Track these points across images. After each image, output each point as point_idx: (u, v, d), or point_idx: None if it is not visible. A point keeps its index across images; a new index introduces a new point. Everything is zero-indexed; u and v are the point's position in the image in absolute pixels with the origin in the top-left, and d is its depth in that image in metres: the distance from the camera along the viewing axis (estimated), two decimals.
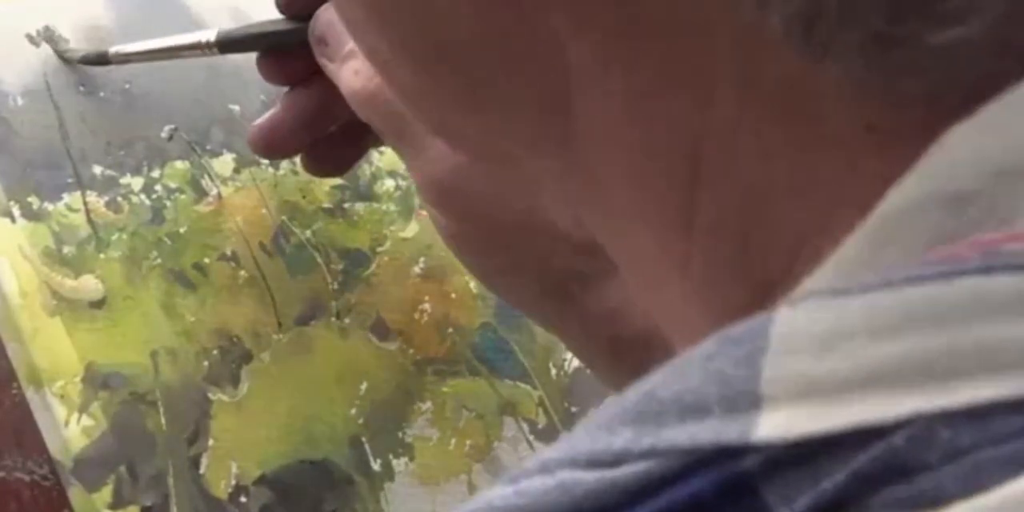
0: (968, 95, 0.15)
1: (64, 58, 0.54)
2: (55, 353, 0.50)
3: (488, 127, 0.22)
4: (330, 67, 0.40)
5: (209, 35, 0.47)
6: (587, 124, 0.19)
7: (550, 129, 0.20)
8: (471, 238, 0.37)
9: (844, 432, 0.13)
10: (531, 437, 0.63)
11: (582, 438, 0.15)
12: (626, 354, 0.35)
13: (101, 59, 0.53)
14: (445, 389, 0.62)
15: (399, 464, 0.59)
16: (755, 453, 0.14)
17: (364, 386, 0.59)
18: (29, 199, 0.53)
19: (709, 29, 0.17)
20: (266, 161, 0.61)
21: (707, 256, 0.19)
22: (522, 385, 0.64)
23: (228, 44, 0.46)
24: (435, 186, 0.37)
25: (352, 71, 0.38)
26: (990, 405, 0.13)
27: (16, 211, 0.52)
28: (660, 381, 0.15)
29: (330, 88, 0.39)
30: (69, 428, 0.49)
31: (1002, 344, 0.13)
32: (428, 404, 0.61)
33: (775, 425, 0.14)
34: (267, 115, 0.41)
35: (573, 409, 0.64)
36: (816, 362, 0.14)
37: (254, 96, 0.62)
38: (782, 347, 0.14)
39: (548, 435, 0.63)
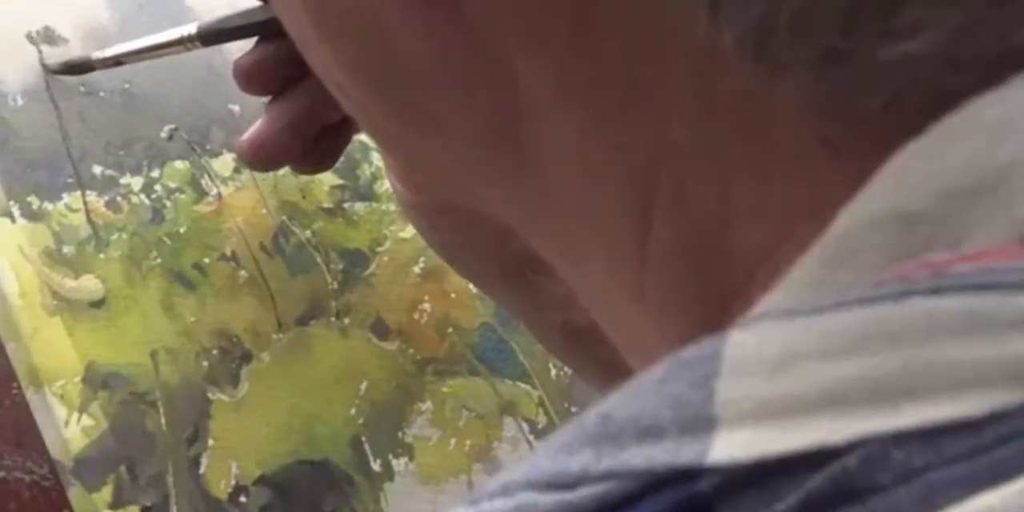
0: (924, 110, 0.15)
1: (47, 69, 0.54)
2: (55, 353, 0.50)
3: (436, 151, 0.21)
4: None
5: (190, 29, 0.46)
6: (538, 150, 0.19)
7: (498, 155, 0.20)
8: (427, 212, 0.37)
9: (798, 454, 0.13)
10: (531, 437, 0.63)
11: (541, 459, 0.15)
12: (579, 339, 0.35)
13: (85, 66, 0.53)
14: (445, 389, 0.62)
15: (399, 464, 0.59)
16: (710, 475, 0.14)
17: (364, 386, 0.59)
18: (29, 199, 0.53)
19: (666, 49, 0.16)
20: None
21: (661, 281, 0.18)
22: (522, 385, 0.64)
23: (210, 36, 0.45)
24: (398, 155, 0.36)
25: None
26: (942, 426, 0.13)
27: (16, 211, 0.52)
28: (616, 403, 0.15)
29: (312, 91, 0.39)
30: (69, 428, 0.49)
31: (952, 365, 0.13)
32: (428, 404, 0.61)
33: (729, 447, 0.14)
34: (254, 129, 0.41)
35: (573, 409, 0.64)
36: (769, 384, 0.14)
37: (254, 96, 0.62)
38: (735, 369, 0.14)
39: (548, 435, 0.63)
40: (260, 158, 0.42)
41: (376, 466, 0.58)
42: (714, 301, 0.18)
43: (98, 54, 0.51)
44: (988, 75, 0.15)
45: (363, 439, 0.58)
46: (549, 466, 0.15)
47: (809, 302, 0.14)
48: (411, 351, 0.61)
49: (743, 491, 0.13)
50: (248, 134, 0.41)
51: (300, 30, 0.21)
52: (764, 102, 0.16)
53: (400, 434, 0.60)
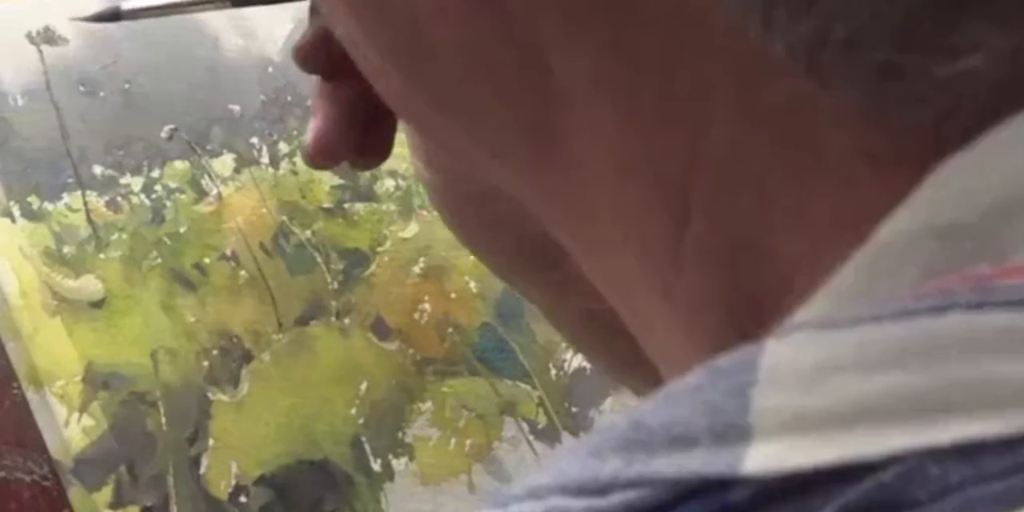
0: (972, 127, 0.15)
1: (76, 19, 0.53)
2: (55, 353, 0.50)
3: (465, 135, 0.21)
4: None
5: None
6: (567, 143, 0.19)
7: (525, 145, 0.19)
8: (448, 188, 0.37)
9: (833, 467, 0.13)
10: (531, 437, 0.63)
11: (572, 464, 0.15)
12: (598, 328, 0.35)
13: (113, 16, 0.52)
14: (445, 389, 0.62)
15: (399, 464, 0.59)
16: (743, 486, 0.13)
17: (364, 386, 0.59)
18: (29, 199, 0.53)
19: (711, 52, 0.16)
20: (266, 161, 0.61)
21: (693, 281, 0.18)
22: (522, 385, 0.64)
23: None
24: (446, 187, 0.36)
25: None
26: (979, 443, 0.13)
27: (16, 211, 0.52)
28: (649, 410, 0.15)
29: (361, 77, 0.38)
30: (69, 428, 0.49)
31: (992, 381, 0.13)
32: (428, 404, 0.61)
33: (764, 458, 0.13)
34: (312, 129, 0.40)
35: (573, 409, 0.64)
36: (806, 395, 0.14)
37: (254, 96, 0.62)
38: (771, 379, 0.14)
39: (548, 435, 0.63)
40: (321, 161, 0.41)
41: (376, 466, 0.58)
42: (746, 306, 0.17)
43: (127, 5, 0.51)
44: None
45: (363, 439, 0.58)
46: (580, 471, 0.15)
47: (848, 313, 0.14)
48: (411, 351, 0.61)
49: (776, 503, 0.13)
50: (309, 134, 0.41)
51: (339, 18, 0.21)
52: (810, 112, 0.16)
53: (400, 434, 0.60)
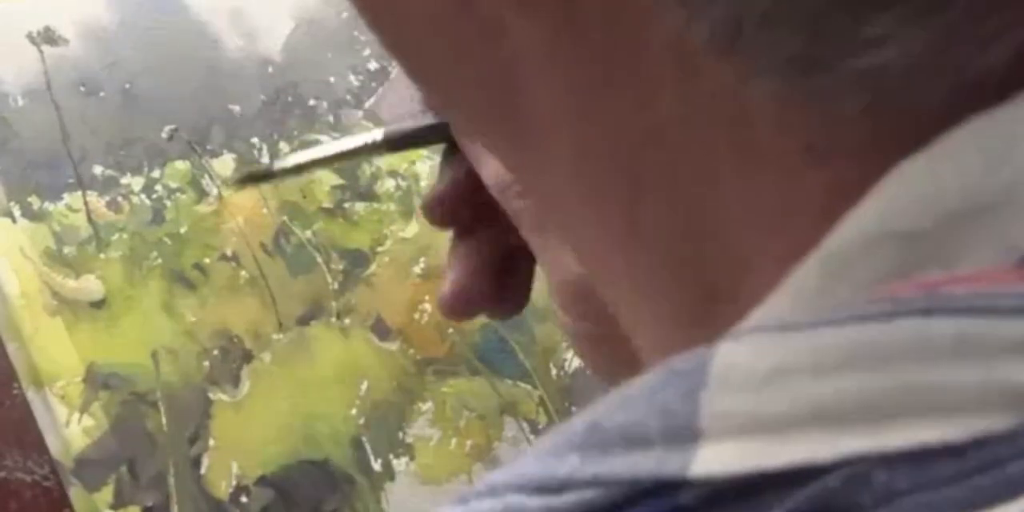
0: (907, 121, 0.15)
1: (228, 182, 0.53)
2: (55, 353, 0.50)
3: (452, 112, 0.22)
4: (469, 148, 0.38)
5: (376, 135, 0.45)
6: (536, 120, 0.19)
7: (500, 120, 0.20)
8: (601, 342, 0.37)
9: (781, 470, 0.13)
10: (531, 437, 0.63)
11: (530, 463, 0.15)
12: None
13: (267, 175, 0.52)
14: (445, 389, 0.62)
15: (399, 464, 0.59)
16: (692, 487, 0.14)
17: (364, 386, 0.59)
18: (29, 199, 0.53)
19: (645, 35, 0.16)
20: (266, 161, 0.61)
21: (652, 266, 0.18)
22: (522, 385, 0.64)
23: (396, 141, 0.44)
24: (568, 288, 0.36)
25: (488, 158, 0.37)
26: (927, 449, 0.13)
27: (16, 211, 0.52)
28: (606, 411, 0.15)
29: (496, 226, 0.38)
30: (70, 428, 0.49)
31: (941, 388, 0.13)
32: (428, 404, 0.61)
33: (712, 460, 0.14)
34: (451, 279, 0.39)
35: (574, 409, 0.64)
36: (756, 398, 0.14)
37: (254, 96, 0.62)
38: (723, 382, 0.14)
39: None
40: (459, 313, 0.41)
41: (377, 466, 0.58)
42: (703, 286, 0.18)
43: (279, 164, 0.51)
44: (970, 88, 0.15)
45: (363, 439, 0.58)
46: (537, 469, 0.15)
47: (801, 317, 0.14)
48: (411, 351, 0.61)
49: (724, 505, 0.13)
50: (448, 286, 0.40)
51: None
52: (742, 102, 0.16)
53: (400, 434, 0.60)
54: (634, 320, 0.20)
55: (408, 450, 0.59)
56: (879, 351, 0.14)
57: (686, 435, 0.14)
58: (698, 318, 0.18)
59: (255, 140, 0.61)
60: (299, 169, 0.50)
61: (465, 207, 0.39)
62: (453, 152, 0.40)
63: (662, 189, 0.17)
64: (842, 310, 0.14)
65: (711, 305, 0.17)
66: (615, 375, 0.39)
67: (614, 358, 0.38)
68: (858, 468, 0.13)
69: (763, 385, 0.14)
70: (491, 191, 0.35)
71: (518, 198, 0.35)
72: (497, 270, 0.39)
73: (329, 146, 0.47)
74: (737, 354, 0.14)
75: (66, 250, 0.52)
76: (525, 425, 0.63)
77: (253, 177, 0.52)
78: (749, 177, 0.16)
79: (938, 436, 0.13)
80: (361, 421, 0.58)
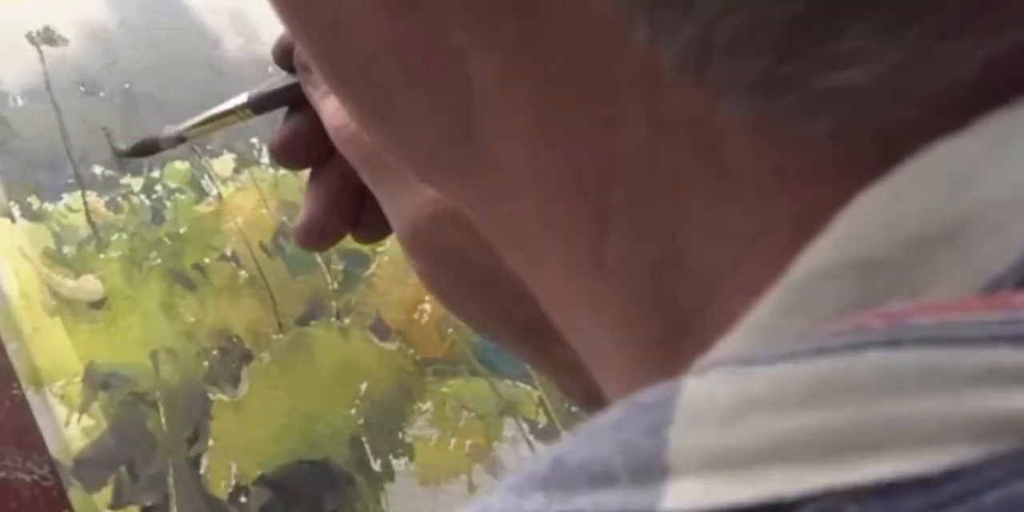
0: (876, 142, 0.15)
1: (116, 152, 0.54)
2: (55, 353, 0.50)
3: (399, 145, 0.21)
4: (314, 96, 0.39)
5: (241, 99, 0.46)
6: (489, 149, 0.18)
7: (454, 150, 0.19)
8: (441, 282, 0.38)
9: (750, 506, 0.13)
10: (531, 437, 0.63)
11: (495, 500, 0.15)
12: (599, 404, 0.35)
13: (152, 147, 0.53)
14: (445, 389, 0.62)
15: (399, 464, 0.59)
16: None
17: (364, 386, 0.59)
18: (29, 199, 0.53)
19: (611, 60, 0.16)
20: (266, 160, 0.61)
21: (616, 291, 0.18)
22: (522, 385, 0.64)
23: (260, 103, 0.45)
24: (408, 232, 0.37)
25: (334, 106, 0.38)
26: (898, 482, 0.13)
27: (16, 211, 0.52)
28: (571, 447, 0.15)
29: (345, 161, 0.39)
30: (69, 428, 0.49)
31: (909, 420, 0.13)
32: (428, 404, 0.61)
33: (681, 496, 0.13)
34: (302, 214, 0.41)
35: (573, 409, 0.64)
36: (723, 434, 0.14)
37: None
38: (689, 417, 0.14)
39: (548, 435, 0.63)
40: (315, 243, 0.42)
41: (376, 466, 0.58)
42: (671, 316, 0.17)
43: (164, 134, 0.52)
44: (939, 108, 0.14)
45: (363, 439, 0.58)
46: (501, 508, 0.15)
47: (764, 350, 0.14)
48: (411, 351, 0.61)
49: None
50: (299, 220, 0.41)
51: (282, 19, 0.21)
52: (711, 124, 0.15)
53: (400, 434, 0.60)
54: (597, 354, 0.20)
55: (408, 450, 0.59)
56: (844, 384, 0.13)
57: (654, 472, 0.14)
58: (666, 350, 0.17)
59: (255, 140, 0.61)
60: (181, 139, 0.51)
61: (312, 146, 0.40)
62: (293, 140, 0.41)
63: (629, 217, 0.17)
64: (804, 343, 0.14)
65: (679, 336, 0.17)
66: (457, 309, 0.39)
67: (451, 294, 0.38)
68: (828, 503, 0.13)
69: (729, 420, 0.14)
70: (333, 140, 0.36)
71: (353, 146, 0.35)
72: (350, 200, 0.40)
73: (204, 114, 0.48)
74: (702, 389, 0.14)
75: (66, 250, 0.52)
76: (525, 425, 0.63)
77: (140, 149, 0.53)
78: (718, 203, 0.16)
79: (908, 469, 0.13)
80: (360, 421, 0.58)
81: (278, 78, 0.44)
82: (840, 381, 0.13)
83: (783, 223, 0.15)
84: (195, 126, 0.49)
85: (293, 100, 0.42)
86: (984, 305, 0.13)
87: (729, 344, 0.15)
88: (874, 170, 0.15)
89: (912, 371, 0.13)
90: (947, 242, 0.14)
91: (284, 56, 0.42)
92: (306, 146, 0.41)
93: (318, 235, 0.42)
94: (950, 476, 0.13)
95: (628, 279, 0.18)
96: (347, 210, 0.41)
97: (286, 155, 0.42)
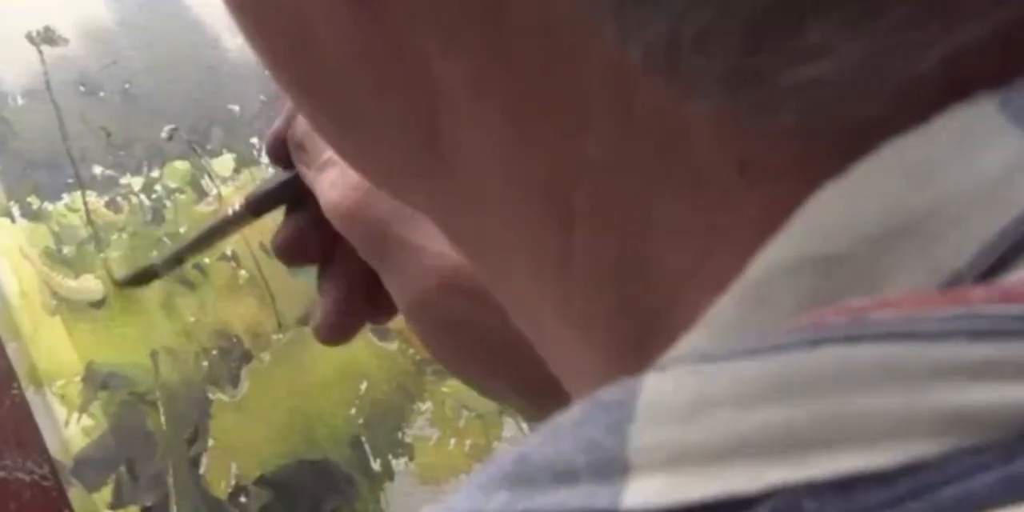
0: (840, 136, 0.15)
1: (116, 282, 0.53)
2: (55, 353, 0.50)
3: (367, 156, 0.21)
4: (308, 175, 0.39)
5: (236, 205, 0.45)
6: (456, 155, 0.18)
7: (421, 159, 0.19)
8: (449, 351, 0.38)
9: (711, 501, 0.13)
10: None
11: (460, 499, 0.15)
12: None
13: (151, 274, 0.53)
14: (445, 389, 0.62)
15: (399, 464, 0.59)
16: None
17: (364, 386, 0.59)
18: (29, 199, 0.53)
19: (577, 60, 0.16)
20: (266, 160, 0.61)
21: (584, 294, 0.18)
22: None
23: (256, 205, 0.44)
24: (415, 304, 0.37)
25: (329, 182, 0.38)
26: (856, 477, 0.13)
27: (16, 211, 0.52)
28: (535, 445, 0.15)
29: (352, 252, 0.39)
30: (69, 428, 0.49)
31: (867, 415, 0.13)
32: (428, 404, 0.61)
33: (643, 493, 0.14)
34: (321, 312, 0.41)
35: None
36: (682, 431, 0.14)
37: (254, 96, 0.62)
38: (649, 415, 0.14)
39: None
40: (340, 338, 0.42)
41: (376, 466, 0.58)
42: (638, 317, 0.17)
43: (163, 258, 0.52)
44: (903, 104, 0.14)
45: (363, 439, 0.58)
46: (467, 506, 0.15)
47: (724, 347, 0.14)
48: (411, 351, 0.62)
49: None
50: (319, 318, 0.41)
51: (246, 35, 0.21)
52: (679, 120, 0.16)
53: (400, 434, 0.60)
54: (566, 360, 0.20)
55: (407, 450, 0.59)
56: (803, 380, 0.13)
57: (615, 469, 0.14)
58: (632, 348, 0.18)
59: (254, 140, 0.61)
60: (179, 260, 0.51)
61: (314, 242, 0.40)
62: (299, 238, 0.41)
63: (597, 216, 0.17)
64: (763, 339, 0.14)
65: (647, 336, 0.17)
66: (460, 373, 0.39)
67: (457, 360, 0.39)
68: (787, 498, 0.13)
69: (688, 417, 0.14)
70: (332, 221, 0.36)
71: (351, 222, 0.35)
72: (364, 288, 0.40)
73: (200, 230, 0.48)
74: (662, 386, 0.14)
75: (65, 250, 0.52)
76: (524, 425, 0.63)
77: (140, 277, 0.53)
78: (684, 202, 0.16)
79: (867, 464, 0.13)
80: (360, 421, 0.58)
81: (273, 176, 0.43)
82: (799, 377, 0.13)
83: (748, 220, 0.15)
84: (192, 245, 0.49)
85: (290, 197, 0.42)
86: (943, 300, 0.13)
87: (690, 341, 0.15)
88: (839, 166, 0.15)
89: (871, 366, 0.13)
90: (906, 237, 0.14)
91: (278, 151, 0.42)
92: (310, 242, 0.41)
93: (341, 330, 0.41)
94: (908, 471, 0.13)
95: (595, 282, 0.18)
96: (362, 298, 0.41)
97: (292, 254, 0.42)
